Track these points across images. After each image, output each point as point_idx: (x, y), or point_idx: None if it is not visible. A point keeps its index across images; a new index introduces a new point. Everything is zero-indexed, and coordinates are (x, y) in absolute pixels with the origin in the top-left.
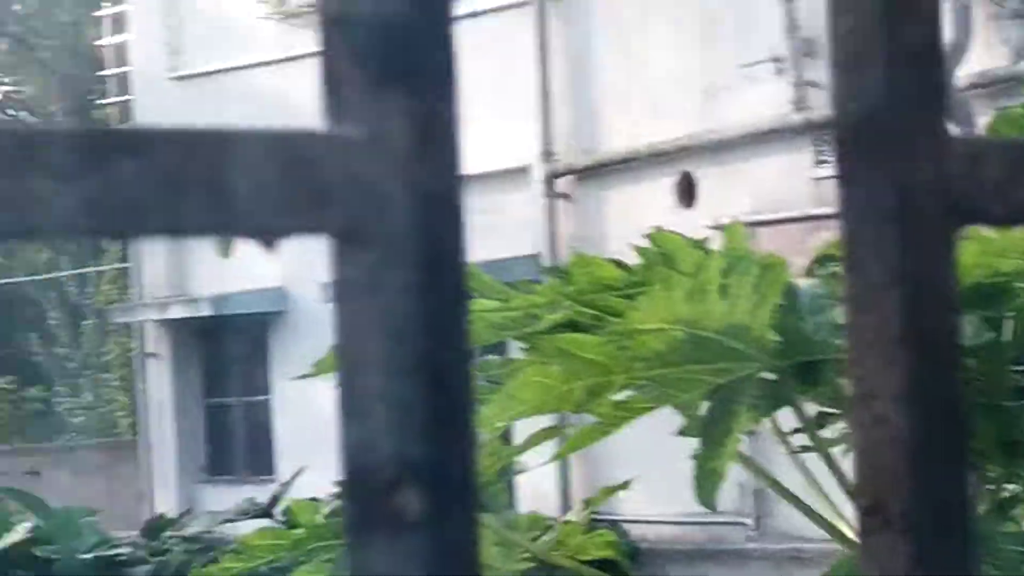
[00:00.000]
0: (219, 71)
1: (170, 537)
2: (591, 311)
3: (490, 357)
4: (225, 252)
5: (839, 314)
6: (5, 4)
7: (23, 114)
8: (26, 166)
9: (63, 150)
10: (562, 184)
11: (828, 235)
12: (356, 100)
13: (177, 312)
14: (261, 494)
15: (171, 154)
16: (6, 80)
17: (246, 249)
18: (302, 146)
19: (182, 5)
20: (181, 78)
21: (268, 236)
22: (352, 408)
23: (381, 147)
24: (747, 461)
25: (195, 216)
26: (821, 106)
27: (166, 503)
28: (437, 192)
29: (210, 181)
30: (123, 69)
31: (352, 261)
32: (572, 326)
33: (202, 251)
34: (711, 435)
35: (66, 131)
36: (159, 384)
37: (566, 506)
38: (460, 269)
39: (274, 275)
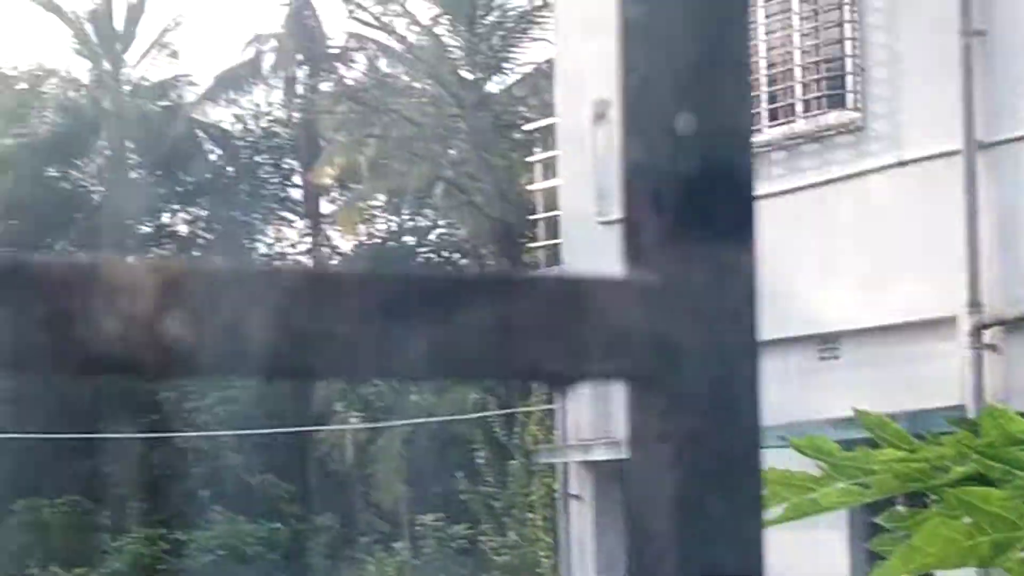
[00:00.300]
0: None
1: None
2: (1000, 465)
3: (897, 508)
4: None
5: None
6: (443, 148)
7: (456, 256)
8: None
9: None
10: (989, 335)
11: None
12: (653, 246)
13: (600, 454)
14: None
15: (464, 300)
16: (441, 222)
17: None
18: (597, 291)
19: (609, 151)
20: (609, 223)
21: (561, 381)
22: (642, 554)
23: (676, 294)
24: None
25: (491, 361)
26: None
27: None
28: (732, 342)
29: (503, 325)
30: (553, 213)
31: (644, 406)
32: (980, 479)
33: (621, 396)
34: None
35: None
36: (582, 525)
37: None
38: (754, 420)
39: None
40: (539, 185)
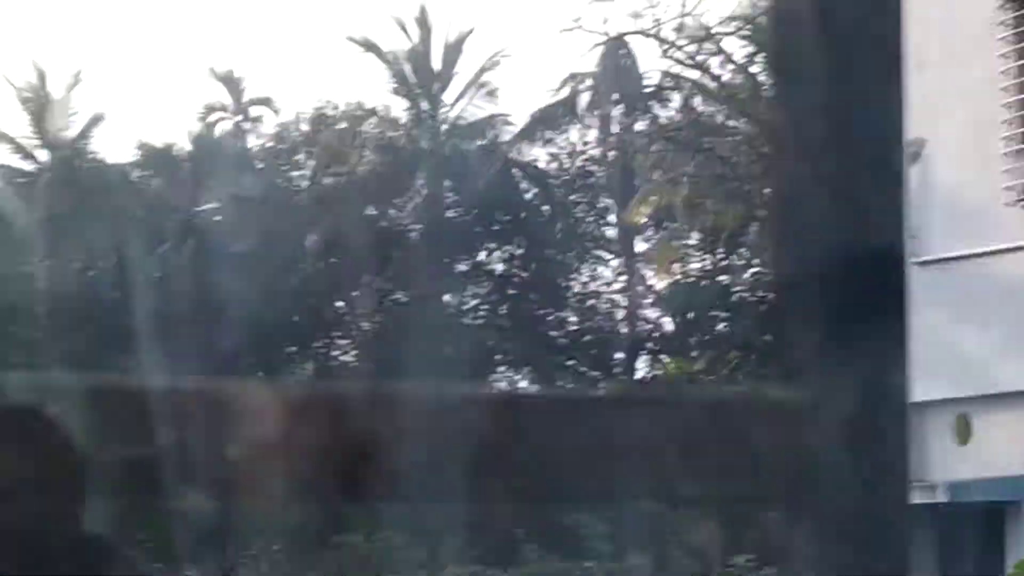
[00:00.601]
0: (962, 257)
1: None
2: None
3: None
4: (964, 439)
5: None
6: (757, 188)
7: (770, 296)
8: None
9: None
10: None
11: None
12: (803, 364)
13: (913, 497)
14: None
15: (606, 415)
16: (755, 262)
17: (984, 437)
18: (743, 411)
19: (922, 190)
20: (923, 263)
21: (699, 504)
22: None
23: (825, 414)
24: None
25: (619, 479)
26: None
27: None
28: (881, 464)
29: (637, 443)
30: None
31: (790, 529)
32: None
33: (940, 437)
34: None
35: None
36: None
37: None
38: (902, 545)
39: (1016, 463)
40: None
